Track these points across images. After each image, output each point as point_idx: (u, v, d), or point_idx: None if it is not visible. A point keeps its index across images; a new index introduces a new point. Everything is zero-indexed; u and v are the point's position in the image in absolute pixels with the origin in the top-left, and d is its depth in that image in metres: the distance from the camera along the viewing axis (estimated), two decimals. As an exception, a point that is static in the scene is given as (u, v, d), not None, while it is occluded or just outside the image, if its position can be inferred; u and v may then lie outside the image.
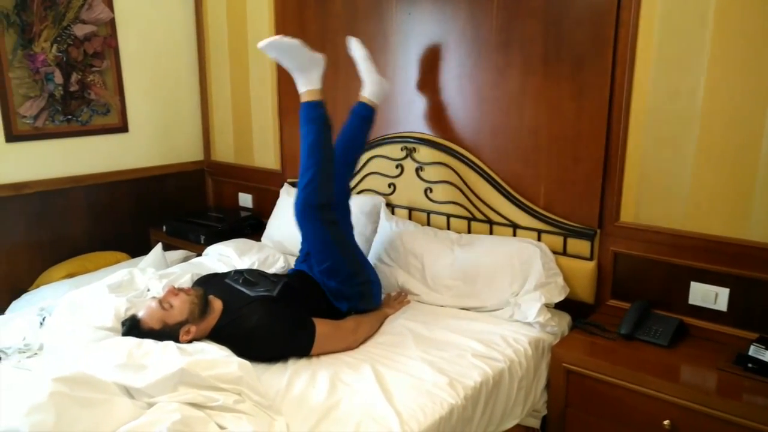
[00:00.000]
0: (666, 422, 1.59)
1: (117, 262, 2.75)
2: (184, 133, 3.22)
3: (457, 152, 2.27)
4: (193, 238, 2.86)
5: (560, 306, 2.02)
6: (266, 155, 3.01)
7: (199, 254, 2.67)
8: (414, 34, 2.33)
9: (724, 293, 1.79)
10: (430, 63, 2.30)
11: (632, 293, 1.96)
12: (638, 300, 1.91)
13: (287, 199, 2.76)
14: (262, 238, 2.73)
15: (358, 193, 2.61)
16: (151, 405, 1.34)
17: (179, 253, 2.77)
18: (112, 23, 2.80)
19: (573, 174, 2.02)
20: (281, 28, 2.75)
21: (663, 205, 1.87)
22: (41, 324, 1.79)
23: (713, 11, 1.69)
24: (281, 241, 2.61)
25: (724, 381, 1.61)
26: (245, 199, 3.17)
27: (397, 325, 1.93)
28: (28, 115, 2.58)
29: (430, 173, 2.36)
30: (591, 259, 2.03)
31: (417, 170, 2.39)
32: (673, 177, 1.83)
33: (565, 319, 2.01)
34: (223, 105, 3.16)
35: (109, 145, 2.91)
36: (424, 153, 2.36)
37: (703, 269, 1.82)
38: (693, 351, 1.76)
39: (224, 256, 2.42)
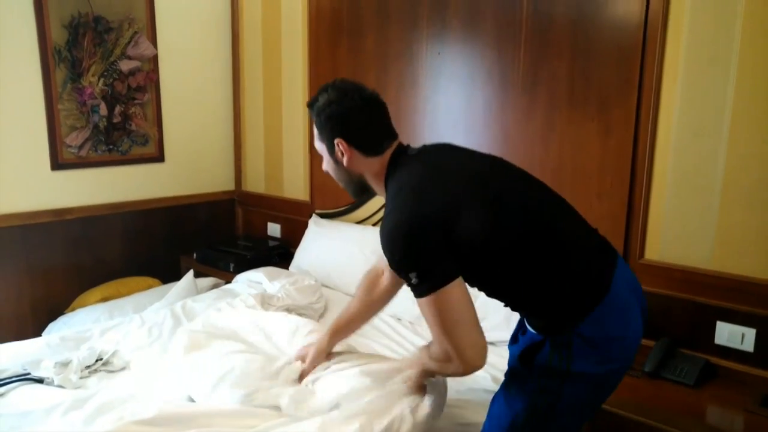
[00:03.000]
0: (692, 463, 1.58)
1: (149, 287, 2.84)
2: (216, 163, 3.34)
3: (483, 187, 2.32)
4: (222, 266, 2.94)
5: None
6: (296, 186, 3.10)
7: (228, 282, 2.75)
8: (443, 74, 2.41)
9: (750, 333, 1.79)
10: (458, 101, 2.38)
11: (656, 331, 1.96)
12: (663, 338, 1.92)
13: (315, 230, 2.83)
14: (290, 267, 2.80)
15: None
16: None
17: (209, 281, 2.84)
18: (154, 59, 2.95)
19: (597, 211, 2.05)
20: (314, 65, 2.87)
21: (689, 243, 1.88)
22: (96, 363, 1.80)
23: (737, 53, 1.74)
24: (309, 270, 2.68)
25: (751, 423, 1.61)
26: (274, 229, 3.25)
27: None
28: (73, 144, 2.71)
29: (455, 207, 2.41)
30: (616, 295, 2.04)
31: (443, 204, 2.45)
32: (699, 215, 1.85)
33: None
34: (256, 137, 3.28)
35: (145, 174, 3.03)
36: (450, 187, 2.42)
37: (730, 309, 1.82)
38: (720, 391, 1.75)
39: (254, 282, 2.49)
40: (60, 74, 2.64)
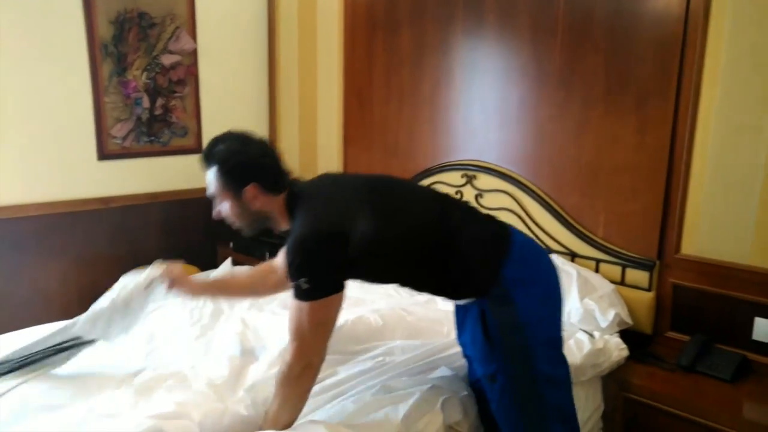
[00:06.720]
0: (727, 456, 1.58)
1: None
2: (253, 156, 3.41)
3: (517, 180, 2.33)
4: (258, 254, 3.01)
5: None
6: (330, 179, 3.15)
7: (264, 270, 2.81)
8: (478, 69, 2.43)
9: (789, 330, 1.78)
10: (493, 96, 2.40)
11: (692, 326, 1.96)
12: (698, 333, 1.91)
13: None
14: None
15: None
16: None
17: (245, 269, 2.91)
18: (194, 53, 3.04)
19: (633, 206, 2.05)
20: (349, 60, 2.91)
21: (727, 238, 1.87)
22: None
23: (779, 50, 1.72)
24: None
25: (788, 418, 1.60)
26: (307, 220, 3.31)
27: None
28: (118, 136, 2.82)
29: (489, 200, 2.43)
30: (650, 289, 2.04)
31: (476, 197, 2.47)
32: (738, 211, 1.84)
33: (623, 349, 2.02)
34: (291, 130, 3.35)
35: (184, 165, 3.12)
36: (483, 180, 2.44)
37: (768, 305, 1.81)
38: (756, 387, 1.74)
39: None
40: (106, 68, 2.74)
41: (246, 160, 1.42)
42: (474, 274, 1.40)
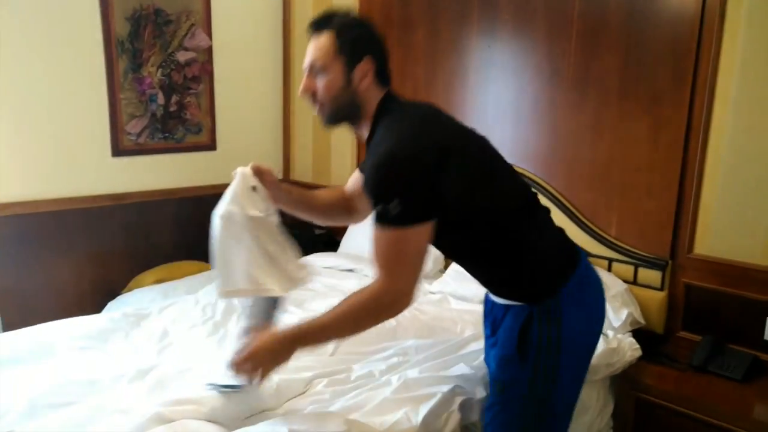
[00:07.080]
0: (739, 456, 1.58)
1: (200, 271, 2.95)
2: (266, 153, 3.44)
3: (530, 179, 2.33)
4: (270, 251, 3.03)
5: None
6: (343, 175, 3.15)
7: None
8: (493, 67, 2.43)
9: (802, 331, 1.77)
10: (507, 95, 2.40)
11: (704, 326, 1.96)
12: (711, 333, 1.91)
13: (360, 219, 2.90)
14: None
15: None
16: None
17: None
18: (209, 50, 3.06)
19: (646, 205, 2.05)
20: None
21: (740, 239, 1.87)
22: None
23: (796, 50, 1.71)
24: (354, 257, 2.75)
25: (801, 419, 1.59)
26: (319, 217, 3.33)
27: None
28: (132, 132, 2.85)
29: (501, 199, 2.43)
30: (662, 289, 2.03)
31: (488, 195, 2.47)
32: (751, 211, 1.84)
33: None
34: (304, 128, 3.36)
35: (198, 162, 3.14)
36: (496, 179, 2.44)
37: (781, 305, 1.80)
38: (768, 387, 1.74)
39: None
40: (122, 65, 2.76)
41: (370, 32, 1.31)
42: (536, 278, 1.32)
